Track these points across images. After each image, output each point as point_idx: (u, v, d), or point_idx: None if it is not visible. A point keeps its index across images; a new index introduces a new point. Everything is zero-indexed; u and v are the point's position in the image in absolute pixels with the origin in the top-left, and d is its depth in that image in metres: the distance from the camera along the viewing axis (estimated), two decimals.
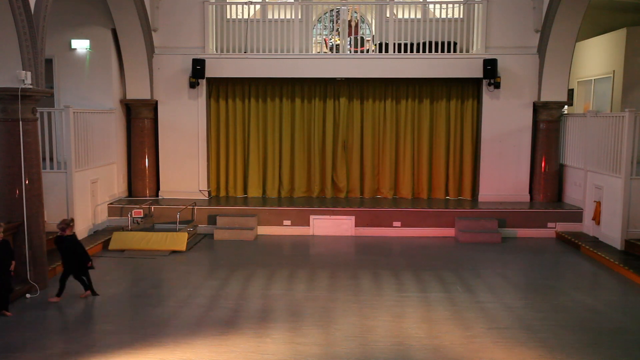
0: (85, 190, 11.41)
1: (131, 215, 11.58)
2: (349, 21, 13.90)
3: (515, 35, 12.98)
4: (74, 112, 10.90)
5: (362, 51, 13.58)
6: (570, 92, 15.53)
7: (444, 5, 13.31)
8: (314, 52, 13.79)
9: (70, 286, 8.83)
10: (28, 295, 8.24)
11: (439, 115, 13.58)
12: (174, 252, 10.83)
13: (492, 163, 13.20)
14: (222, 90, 13.66)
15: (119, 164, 13.11)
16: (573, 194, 12.73)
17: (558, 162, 13.20)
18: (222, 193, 13.89)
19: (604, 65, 15.05)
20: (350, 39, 13.75)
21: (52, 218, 10.61)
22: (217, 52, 13.29)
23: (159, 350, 6.44)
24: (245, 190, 13.90)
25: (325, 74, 13.07)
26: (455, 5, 13.20)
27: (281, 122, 13.71)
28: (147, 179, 13.36)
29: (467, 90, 13.48)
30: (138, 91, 13.02)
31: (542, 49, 12.72)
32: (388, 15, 13.14)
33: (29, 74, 8.03)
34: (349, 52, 13.43)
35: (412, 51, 12.99)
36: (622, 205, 10.52)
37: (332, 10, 14.76)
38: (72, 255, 8.20)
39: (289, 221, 12.40)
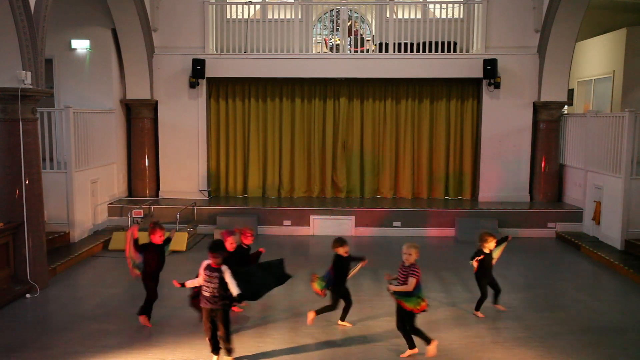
0: (85, 190, 11.41)
1: (131, 215, 11.57)
2: (349, 25, 13.91)
3: (515, 35, 12.98)
4: (74, 112, 10.91)
5: (362, 51, 13.59)
6: (570, 92, 15.53)
7: (444, 5, 13.31)
8: (314, 52, 13.79)
9: (72, 284, 8.84)
10: (28, 295, 8.24)
11: (439, 115, 13.58)
12: (174, 252, 10.81)
13: (492, 163, 13.20)
14: (222, 90, 13.66)
15: (119, 164, 13.11)
16: (573, 194, 12.72)
17: (558, 162, 13.20)
18: (222, 193, 13.89)
19: (604, 65, 15.05)
20: (350, 39, 13.76)
21: (52, 218, 10.63)
22: (217, 52, 13.29)
23: (159, 350, 6.44)
24: (245, 190, 13.90)
25: (325, 74, 13.07)
26: (455, 5, 13.20)
27: (281, 122, 13.70)
28: (147, 179, 13.36)
29: (467, 90, 13.48)
30: (138, 91, 13.02)
31: (542, 49, 12.72)
32: (388, 15, 13.14)
33: (29, 74, 8.02)
34: (349, 52, 13.44)
35: (412, 51, 12.99)
36: (622, 205, 10.52)
37: (332, 10, 14.76)
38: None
39: (289, 221, 12.39)
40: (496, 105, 13.11)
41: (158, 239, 7.01)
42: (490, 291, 7.67)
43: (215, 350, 6.23)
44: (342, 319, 7.24)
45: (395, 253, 10.96)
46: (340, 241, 7.01)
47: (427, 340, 6.26)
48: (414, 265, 6.31)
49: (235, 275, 6.08)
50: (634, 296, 8.50)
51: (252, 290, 6.76)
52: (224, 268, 6.06)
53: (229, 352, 6.23)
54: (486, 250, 7.46)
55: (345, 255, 6.97)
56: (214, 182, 13.84)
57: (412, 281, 6.18)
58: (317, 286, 6.96)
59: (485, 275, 7.56)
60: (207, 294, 6.10)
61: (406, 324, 6.32)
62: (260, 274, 7.09)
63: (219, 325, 6.14)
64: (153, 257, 7.03)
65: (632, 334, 7.06)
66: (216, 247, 6.23)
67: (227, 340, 6.19)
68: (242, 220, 12.18)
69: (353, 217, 12.38)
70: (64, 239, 10.71)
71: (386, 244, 11.56)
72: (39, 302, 8.10)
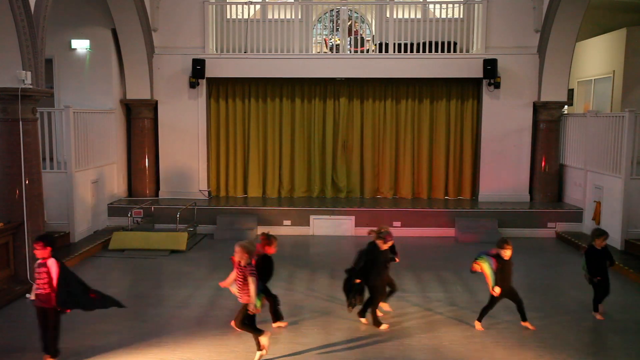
0: (85, 190, 11.41)
1: (131, 215, 11.58)
2: (349, 25, 13.91)
3: (515, 35, 12.98)
4: (74, 112, 10.90)
5: (362, 51, 13.59)
6: (570, 92, 15.54)
7: (444, 5, 13.31)
8: (314, 52, 13.80)
9: None
10: (28, 295, 8.22)
11: (439, 115, 13.57)
12: (174, 252, 10.82)
13: (492, 163, 13.20)
14: (222, 90, 13.66)
15: (119, 164, 13.11)
16: (573, 194, 12.72)
17: (558, 162, 13.20)
18: (222, 193, 13.89)
19: (604, 65, 15.05)
20: (350, 39, 13.77)
21: (52, 218, 10.63)
22: (217, 52, 13.30)
23: (159, 350, 6.44)
24: (245, 190, 13.90)
25: (325, 74, 13.07)
26: (455, 5, 13.20)
27: (281, 122, 13.71)
28: (147, 179, 13.36)
29: (467, 90, 13.48)
30: (138, 91, 13.02)
31: (542, 49, 12.72)
32: (388, 15, 13.14)
33: (29, 74, 8.03)
34: (349, 52, 13.44)
35: (412, 51, 12.99)
36: (622, 205, 10.52)
37: (332, 10, 14.77)
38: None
39: (289, 221, 12.39)
40: (496, 105, 13.11)
41: (274, 249, 6.92)
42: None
43: (46, 349, 5.96)
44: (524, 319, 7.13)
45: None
46: (506, 242, 6.91)
47: (259, 332, 6.18)
48: (250, 265, 6.05)
49: (67, 277, 5.67)
50: (634, 296, 8.50)
51: (81, 298, 6.09)
52: (50, 263, 5.64)
53: (55, 354, 5.97)
54: (598, 247, 7.35)
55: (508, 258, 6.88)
56: (214, 182, 13.84)
57: (251, 280, 5.93)
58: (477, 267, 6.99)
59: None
60: (37, 291, 5.77)
61: (245, 320, 6.16)
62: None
63: (48, 324, 5.84)
64: (268, 268, 6.92)
65: (632, 334, 7.06)
66: (42, 238, 5.79)
67: (54, 341, 5.95)
68: (242, 220, 12.21)
69: (353, 217, 12.37)
70: (64, 239, 10.70)
71: None
72: None
